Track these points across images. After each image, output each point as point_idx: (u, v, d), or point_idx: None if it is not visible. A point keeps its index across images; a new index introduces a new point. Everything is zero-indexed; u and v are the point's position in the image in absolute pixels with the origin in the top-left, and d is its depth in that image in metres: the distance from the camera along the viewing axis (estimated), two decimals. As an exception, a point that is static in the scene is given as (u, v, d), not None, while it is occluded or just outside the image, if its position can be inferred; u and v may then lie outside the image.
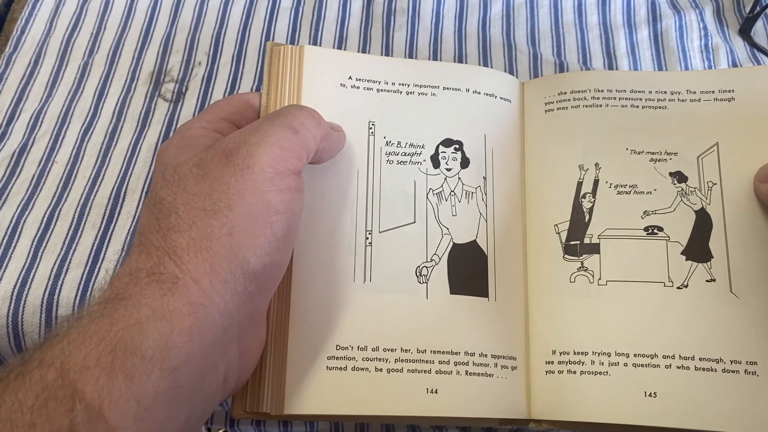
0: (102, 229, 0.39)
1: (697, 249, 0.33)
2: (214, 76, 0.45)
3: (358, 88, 0.36)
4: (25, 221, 0.39)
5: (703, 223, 0.34)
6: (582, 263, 0.34)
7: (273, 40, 0.47)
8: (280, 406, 0.30)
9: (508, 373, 0.32)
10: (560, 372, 0.32)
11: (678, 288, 0.33)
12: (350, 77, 0.36)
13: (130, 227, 0.39)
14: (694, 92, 0.37)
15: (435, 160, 0.35)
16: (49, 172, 0.41)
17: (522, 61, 0.46)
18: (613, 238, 0.34)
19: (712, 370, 0.31)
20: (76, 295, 0.36)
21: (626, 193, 0.35)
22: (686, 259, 0.33)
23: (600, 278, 0.33)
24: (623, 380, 0.31)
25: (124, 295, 0.25)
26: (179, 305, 0.25)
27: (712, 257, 0.33)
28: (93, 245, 0.38)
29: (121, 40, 0.47)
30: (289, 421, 0.41)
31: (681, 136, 0.36)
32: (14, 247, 0.38)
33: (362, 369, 0.31)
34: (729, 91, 0.37)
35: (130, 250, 0.28)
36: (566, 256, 0.34)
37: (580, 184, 0.35)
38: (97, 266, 0.37)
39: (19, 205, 0.39)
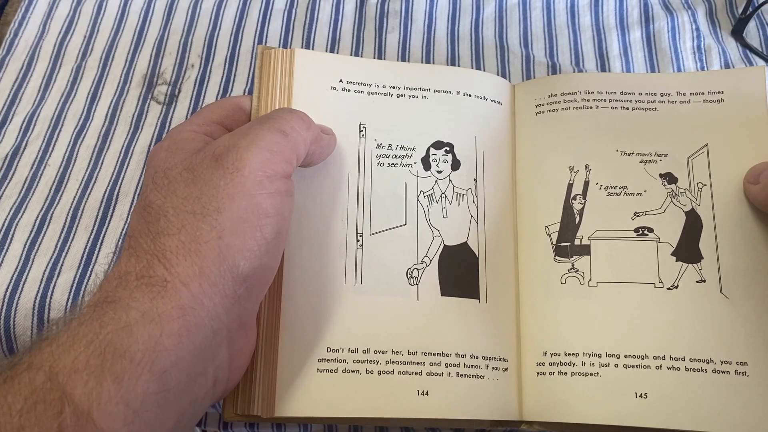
0: (94, 231, 0.39)
1: (688, 250, 0.34)
2: (207, 79, 0.45)
3: (348, 91, 0.36)
4: (17, 224, 0.39)
5: (693, 224, 0.34)
6: (573, 264, 0.34)
7: (266, 42, 0.47)
8: (271, 409, 0.30)
9: (499, 374, 0.32)
10: (551, 373, 0.32)
11: (668, 289, 0.33)
12: (341, 80, 0.36)
13: (123, 230, 0.39)
14: (684, 94, 0.37)
15: (426, 163, 0.35)
16: (41, 174, 0.41)
17: (515, 63, 0.46)
18: (603, 240, 0.34)
19: (702, 370, 0.31)
20: (68, 298, 0.36)
21: (616, 194, 0.35)
22: (676, 260, 0.34)
23: (591, 279, 0.34)
24: (614, 381, 0.31)
25: (114, 299, 0.25)
26: (168, 308, 0.25)
27: (702, 258, 0.33)
28: (85, 248, 0.38)
29: (114, 42, 0.47)
30: (282, 424, 0.41)
31: (671, 138, 0.36)
32: (6, 250, 0.38)
33: (353, 371, 0.31)
34: (718, 92, 0.37)
35: (120, 253, 0.28)
36: (557, 257, 0.34)
37: (570, 186, 0.36)
38: (90, 269, 0.37)
39: (11, 208, 0.39)
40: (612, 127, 0.36)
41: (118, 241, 0.38)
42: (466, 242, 0.34)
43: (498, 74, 0.45)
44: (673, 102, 0.37)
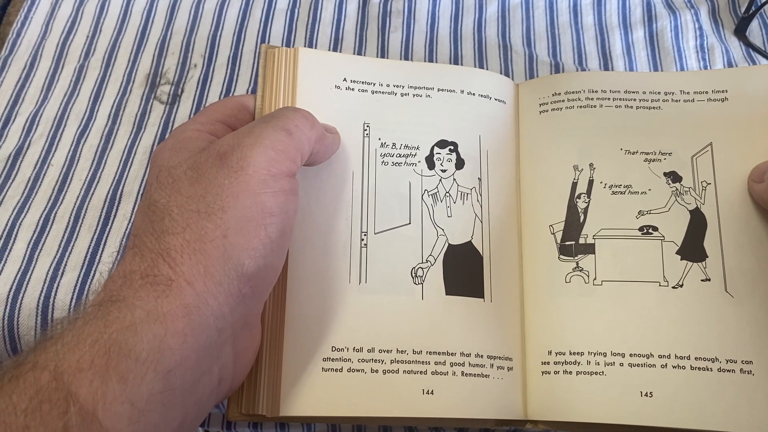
0: (98, 231, 0.39)
1: (692, 249, 0.34)
2: (210, 79, 0.45)
3: (352, 90, 0.36)
4: (20, 224, 0.39)
5: (697, 223, 0.34)
6: (577, 263, 0.34)
7: (269, 42, 0.47)
8: (276, 408, 0.30)
9: (504, 373, 0.32)
10: (556, 372, 0.32)
11: (673, 288, 0.33)
12: (345, 79, 0.36)
13: (126, 230, 0.39)
14: (688, 92, 0.37)
15: (430, 162, 0.35)
16: (44, 174, 0.41)
17: (518, 62, 0.46)
18: (608, 238, 0.34)
19: (707, 369, 0.31)
20: (71, 298, 0.36)
21: (621, 193, 0.35)
22: (681, 259, 0.33)
23: (595, 278, 0.34)
24: (619, 380, 0.31)
25: (118, 298, 0.25)
26: (173, 307, 0.25)
27: (707, 257, 0.33)
28: (89, 248, 0.38)
29: (117, 42, 0.47)
30: (286, 424, 0.41)
31: (675, 137, 0.36)
32: (10, 250, 0.38)
33: (358, 370, 0.31)
34: (722, 91, 0.37)
35: (125, 252, 0.28)
36: (561, 256, 0.34)
37: (574, 185, 0.35)
38: (93, 269, 0.37)
39: (15, 208, 0.39)
40: (616, 125, 0.36)
41: (122, 240, 0.38)
42: (470, 241, 0.34)
43: (501, 74, 0.44)
44: (677, 101, 0.37)
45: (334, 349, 0.31)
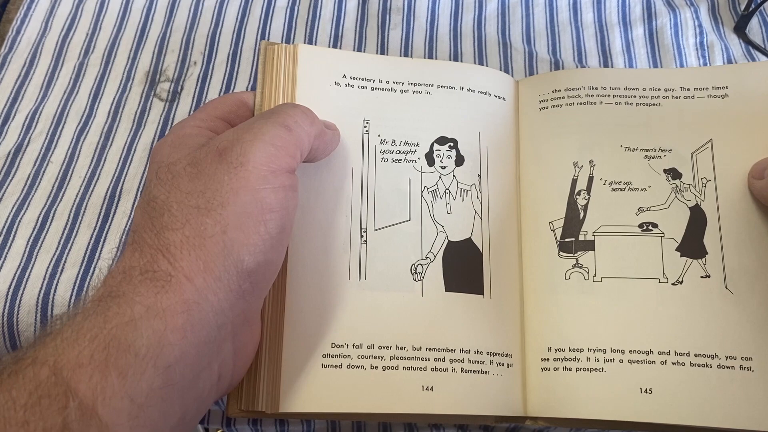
0: (97, 228, 0.39)
1: (692, 245, 0.34)
2: (210, 76, 0.45)
3: (352, 86, 0.36)
4: (20, 221, 0.39)
5: (697, 220, 0.34)
6: (577, 260, 0.34)
7: (268, 39, 0.47)
8: (276, 405, 0.30)
9: (503, 370, 0.32)
10: (556, 369, 0.32)
11: (673, 284, 0.33)
12: (344, 76, 0.36)
13: (126, 227, 0.39)
14: (688, 89, 0.37)
15: (430, 158, 0.35)
16: (44, 171, 0.41)
17: (517, 60, 0.46)
18: (607, 235, 0.34)
19: (707, 366, 0.31)
20: (71, 295, 0.36)
21: (621, 189, 0.35)
22: (681, 256, 0.33)
23: (595, 275, 0.34)
24: (619, 377, 0.31)
25: (118, 293, 0.25)
26: (173, 303, 0.25)
27: (707, 253, 0.33)
28: (88, 245, 0.38)
29: (117, 40, 0.47)
30: (286, 420, 0.41)
31: (675, 133, 0.36)
32: (9, 247, 0.38)
33: (358, 367, 0.31)
34: (722, 87, 0.37)
35: (124, 248, 0.28)
36: (561, 253, 0.34)
37: (574, 181, 0.35)
38: (93, 266, 0.37)
39: (14, 205, 0.39)
40: (616, 122, 0.36)
41: (121, 237, 0.38)
42: (470, 238, 0.34)
43: (501, 71, 0.44)
44: (677, 97, 0.37)
45: (333, 345, 0.31)
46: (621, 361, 0.32)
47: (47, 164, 0.41)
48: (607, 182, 0.35)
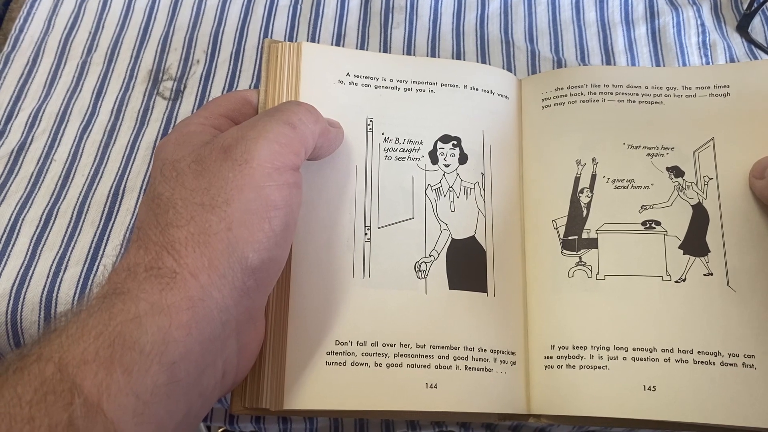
0: (101, 226, 0.39)
1: (695, 243, 0.34)
2: (213, 74, 0.45)
3: (356, 84, 0.36)
4: (23, 219, 0.39)
5: (700, 218, 0.34)
6: (580, 258, 0.34)
7: (271, 38, 0.47)
8: (280, 402, 0.30)
9: (507, 368, 0.32)
10: (559, 366, 0.32)
11: (676, 282, 0.33)
12: (348, 74, 0.36)
13: (129, 225, 0.39)
14: (690, 87, 0.37)
15: (433, 156, 0.35)
16: (47, 170, 0.41)
17: (520, 58, 0.46)
18: (611, 233, 0.34)
19: (710, 363, 0.31)
20: (74, 293, 0.36)
21: (624, 187, 0.35)
22: (684, 254, 0.33)
23: (598, 273, 0.34)
24: (622, 374, 0.31)
25: (122, 290, 0.25)
26: (177, 300, 0.25)
27: (709, 251, 0.33)
28: (92, 243, 0.38)
29: (120, 38, 0.47)
30: (289, 418, 0.41)
31: (677, 131, 0.36)
32: (13, 245, 0.38)
33: (361, 364, 0.31)
34: (724, 86, 0.37)
35: (128, 245, 0.28)
36: (564, 251, 0.34)
37: (577, 179, 0.36)
38: (96, 264, 0.37)
39: (17, 203, 0.39)
40: (619, 120, 0.36)
41: (125, 236, 0.38)
42: (473, 236, 0.34)
43: (504, 69, 0.44)
44: (679, 95, 0.37)
45: (337, 342, 0.31)
46: (624, 358, 0.32)
47: (50, 162, 0.41)
48: (610, 180, 0.35)
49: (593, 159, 0.36)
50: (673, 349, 0.32)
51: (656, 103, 0.37)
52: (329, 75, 0.36)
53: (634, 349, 0.32)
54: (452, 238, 0.34)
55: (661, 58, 0.46)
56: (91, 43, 0.46)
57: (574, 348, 0.32)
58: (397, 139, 0.35)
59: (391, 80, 0.36)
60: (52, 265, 0.37)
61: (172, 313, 0.25)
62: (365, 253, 0.33)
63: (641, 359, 0.32)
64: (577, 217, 0.35)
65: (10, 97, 0.44)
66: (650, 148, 0.36)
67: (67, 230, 0.38)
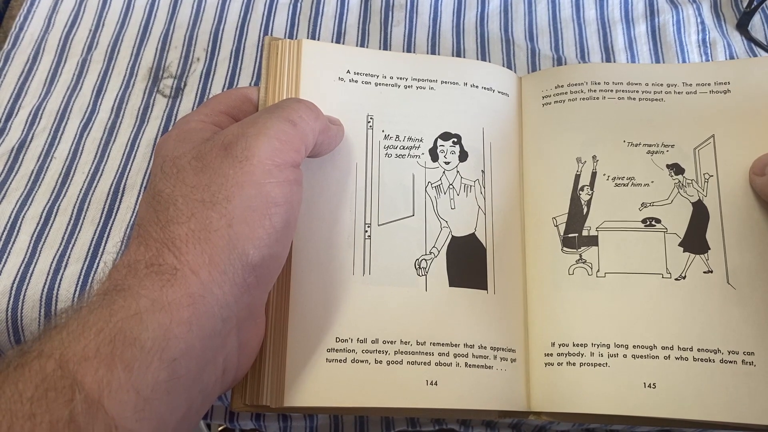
0: (101, 224, 0.39)
1: (695, 240, 0.34)
2: (213, 72, 0.45)
3: (356, 81, 0.36)
4: (24, 216, 0.39)
5: (700, 215, 0.34)
6: (580, 255, 0.34)
7: (271, 35, 0.47)
8: (280, 399, 0.30)
9: (507, 365, 0.32)
10: (559, 364, 0.32)
11: (676, 279, 0.33)
12: (348, 71, 0.36)
13: (129, 223, 0.39)
14: (691, 84, 0.37)
15: (433, 154, 0.35)
16: (48, 167, 0.41)
17: (520, 57, 0.46)
18: (611, 230, 0.34)
19: (710, 360, 0.31)
20: (75, 290, 0.36)
21: (624, 185, 0.35)
22: (684, 251, 0.33)
23: (598, 270, 0.34)
24: (622, 371, 0.31)
25: (123, 287, 0.25)
26: (178, 296, 0.25)
27: (710, 249, 0.33)
28: (92, 240, 0.38)
29: (120, 36, 0.47)
30: (289, 416, 0.41)
31: (677, 129, 0.36)
32: (13, 242, 0.38)
33: (362, 361, 0.31)
34: (725, 83, 0.37)
35: (129, 242, 0.28)
36: (564, 248, 0.34)
37: (577, 177, 0.36)
38: (96, 261, 0.37)
39: (18, 201, 0.39)
40: (619, 117, 0.36)
41: (125, 233, 0.38)
42: (473, 233, 0.34)
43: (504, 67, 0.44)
44: (679, 93, 0.37)
45: (338, 340, 0.31)
46: (624, 355, 0.32)
47: (51, 160, 0.41)
48: (610, 178, 0.35)
49: (593, 156, 0.36)
50: (673, 347, 0.32)
51: (656, 100, 0.37)
52: (329, 72, 0.36)
53: (634, 346, 0.32)
54: (452, 236, 0.34)
55: (661, 56, 0.46)
56: (92, 41, 0.46)
57: (574, 345, 0.32)
58: (398, 136, 0.35)
59: (392, 77, 0.36)
60: (52, 262, 0.37)
61: (172, 309, 0.25)
62: (365, 250, 0.33)
63: (641, 356, 0.32)
64: (577, 214, 0.35)
65: (11, 95, 0.44)
66: (650, 145, 0.36)
67: (67, 228, 0.38)
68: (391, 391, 0.31)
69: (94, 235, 0.38)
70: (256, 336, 0.29)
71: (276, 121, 0.29)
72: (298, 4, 0.48)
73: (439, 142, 0.36)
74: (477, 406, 0.31)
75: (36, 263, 0.37)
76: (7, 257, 0.37)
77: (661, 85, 0.37)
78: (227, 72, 0.45)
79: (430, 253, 0.33)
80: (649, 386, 0.31)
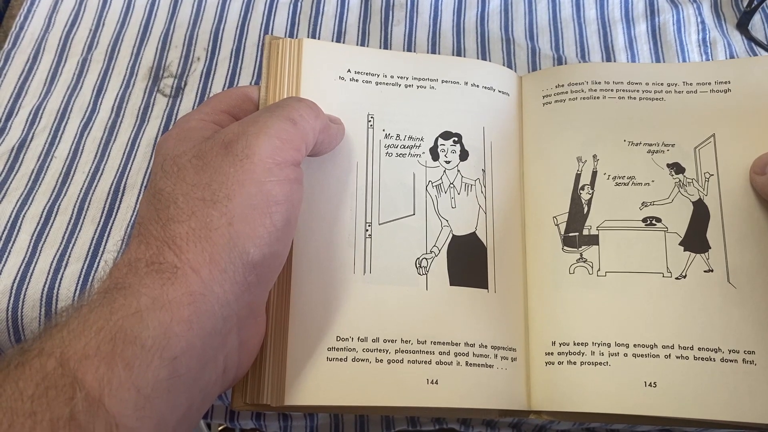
0: (101, 223, 0.39)
1: (695, 240, 0.34)
2: (213, 72, 0.45)
3: (356, 81, 0.36)
4: (24, 216, 0.39)
5: (700, 214, 0.34)
6: (581, 254, 0.34)
7: (272, 35, 0.47)
8: (281, 398, 0.30)
9: (508, 364, 0.32)
10: (560, 363, 0.32)
11: (676, 278, 0.33)
12: (349, 70, 0.36)
13: (130, 222, 0.39)
14: (691, 84, 0.37)
15: (434, 153, 0.35)
16: (48, 166, 0.41)
17: (520, 56, 0.46)
18: (611, 230, 0.34)
19: (710, 359, 0.31)
20: (75, 289, 0.36)
21: (624, 184, 0.35)
22: (684, 250, 0.33)
23: (599, 269, 0.34)
24: (623, 370, 0.31)
25: (124, 285, 0.25)
26: (179, 295, 0.25)
27: (710, 248, 0.33)
28: (92, 239, 0.38)
29: (120, 35, 0.47)
30: (289, 415, 0.41)
31: (678, 128, 0.36)
32: (14, 242, 0.38)
33: (363, 360, 0.31)
34: (725, 82, 0.37)
35: (129, 240, 0.28)
36: (565, 247, 0.34)
37: (578, 176, 0.36)
38: (97, 260, 0.37)
39: (18, 200, 0.39)
40: (619, 117, 0.36)
41: (125, 232, 0.38)
42: (474, 232, 0.34)
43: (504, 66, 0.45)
44: (679, 92, 0.37)
45: (338, 338, 0.31)
46: (625, 354, 0.32)
47: (51, 159, 0.41)
48: (611, 177, 0.35)
49: (594, 156, 0.36)
50: (673, 346, 0.32)
51: (657, 99, 0.37)
52: (330, 71, 0.36)
53: (634, 345, 0.32)
54: (453, 235, 0.34)
55: (661, 55, 0.46)
56: (92, 41, 0.46)
57: (574, 344, 0.32)
58: (398, 135, 0.35)
59: (392, 77, 0.37)
60: (52, 261, 0.37)
61: (173, 307, 0.25)
62: (366, 249, 0.33)
63: (642, 355, 0.32)
64: (577, 213, 0.35)
65: (11, 95, 0.44)
66: (651, 144, 0.36)
67: (67, 227, 0.38)
68: (392, 390, 0.31)
69: (95, 234, 0.38)
70: (256, 335, 0.29)
71: (276, 120, 0.29)
72: (299, 4, 0.48)
73: (440, 141, 0.36)
74: (477, 405, 0.31)
75: (36, 262, 0.37)
76: (8, 257, 0.37)
77: (662, 84, 0.37)
78: (227, 71, 0.45)
79: (431, 252, 0.33)
80: (650, 385, 0.31)
